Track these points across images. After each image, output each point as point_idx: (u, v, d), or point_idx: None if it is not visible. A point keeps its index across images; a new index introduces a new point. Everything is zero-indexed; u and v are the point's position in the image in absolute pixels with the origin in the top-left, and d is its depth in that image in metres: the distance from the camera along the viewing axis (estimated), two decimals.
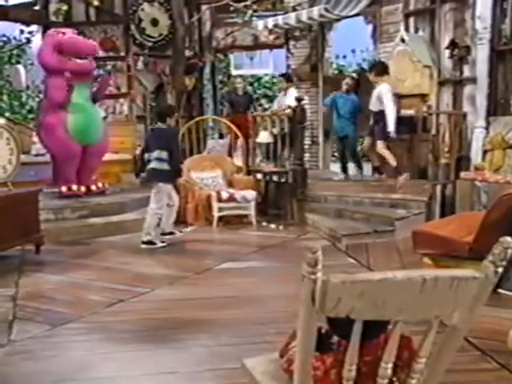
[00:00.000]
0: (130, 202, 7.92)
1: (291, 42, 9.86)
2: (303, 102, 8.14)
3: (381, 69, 7.66)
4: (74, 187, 7.81)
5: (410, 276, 1.44)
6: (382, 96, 7.48)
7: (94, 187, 8.06)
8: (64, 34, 7.70)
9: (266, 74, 14.71)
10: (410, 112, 7.66)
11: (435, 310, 1.56)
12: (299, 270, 4.78)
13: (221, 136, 10.77)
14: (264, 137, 8.36)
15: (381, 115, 7.54)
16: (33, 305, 4.47)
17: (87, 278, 5.28)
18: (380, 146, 7.69)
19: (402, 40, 7.89)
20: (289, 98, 8.50)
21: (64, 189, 7.75)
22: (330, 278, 1.39)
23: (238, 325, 3.97)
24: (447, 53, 7.57)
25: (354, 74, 9.85)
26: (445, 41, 7.61)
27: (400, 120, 7.57)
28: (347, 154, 8.74)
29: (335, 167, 10.60)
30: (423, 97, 7.86)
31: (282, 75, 9.40)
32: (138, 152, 10.09)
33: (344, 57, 14.18)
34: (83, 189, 7.89)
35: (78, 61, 7.61)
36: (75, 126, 7.64)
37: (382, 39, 8.59)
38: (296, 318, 3.91)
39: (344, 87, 8.61)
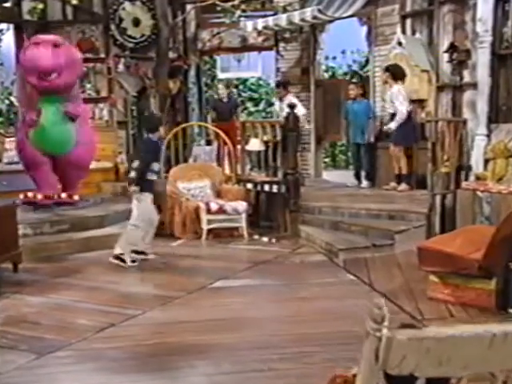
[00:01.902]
0: (112, 214, 7.51)
1: (281, 44, 9.59)
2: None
3: (398, 73, 7.52)
4: (30, 194, 7.41)
5: (478, 331, 1.43)
6: (394, 98, 7.46)
7: (64, 195, 7.59)
8: (38, 44, 7.08)
9: (253, 77, 14.35)
10: None
11: (501, 364, 1.55)
12: (295, 289, 4.58)
13: (208, 143, 10.40)
14: (255, 144, 7.99)
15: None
16: (15, 331, 4.16)
17: (72, 299, 4.97)
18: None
19: (399, 43, 7.67)
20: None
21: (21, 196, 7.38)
22: (396, 335, 1.38)
23: (237, 350, 3.77)
24: (446, 56, 7.29)
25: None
26: (444, 44, 7.33)
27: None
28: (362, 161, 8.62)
29: (327, 175, 10.31)
30: (421, 103, 7.69)
31: (278, 84, 9.14)
32: (119, 160, 9.66)
33: (334, 58, 13.87)
34: (40, 196, 7.41)
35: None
36: (34, 132, 7.29)
37: (378, 42, 8.38)
38: (296, 342, 3.66)
39: (351, 94, 8.53)
